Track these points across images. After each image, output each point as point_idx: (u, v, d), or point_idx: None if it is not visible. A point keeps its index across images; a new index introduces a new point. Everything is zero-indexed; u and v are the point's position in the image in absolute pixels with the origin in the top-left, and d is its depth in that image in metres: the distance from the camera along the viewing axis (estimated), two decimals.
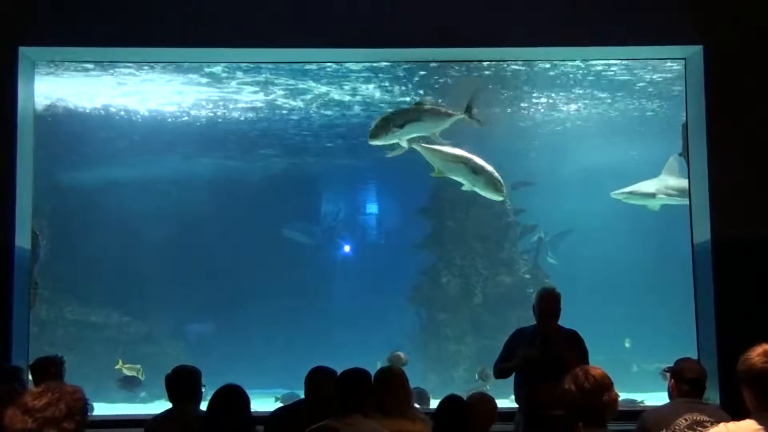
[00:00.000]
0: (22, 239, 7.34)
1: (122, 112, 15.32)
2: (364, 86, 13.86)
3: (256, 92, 14.27)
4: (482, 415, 5.22)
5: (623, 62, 11.79)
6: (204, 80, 13.29)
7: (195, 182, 18.31)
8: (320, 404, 5.04)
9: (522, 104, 15.14)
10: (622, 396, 4.08)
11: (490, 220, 16.65)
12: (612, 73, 12.95)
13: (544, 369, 5.90)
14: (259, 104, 15.03)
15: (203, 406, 5.04)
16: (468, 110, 10.46)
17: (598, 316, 14.18)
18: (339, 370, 4.94)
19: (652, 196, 13.94)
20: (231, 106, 15.21)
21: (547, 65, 12.23)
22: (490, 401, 5.44)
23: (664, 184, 13.96)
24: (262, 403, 8.38)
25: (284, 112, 15.47)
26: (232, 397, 4.75)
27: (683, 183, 13.49)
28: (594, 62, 11.95)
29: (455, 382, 14.89)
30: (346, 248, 21.03)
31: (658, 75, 12.96)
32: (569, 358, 5.80)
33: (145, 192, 17.95)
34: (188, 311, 18.12)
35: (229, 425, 4.67)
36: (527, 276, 16.64)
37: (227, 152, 17.89)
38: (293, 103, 14.96)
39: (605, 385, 3.85)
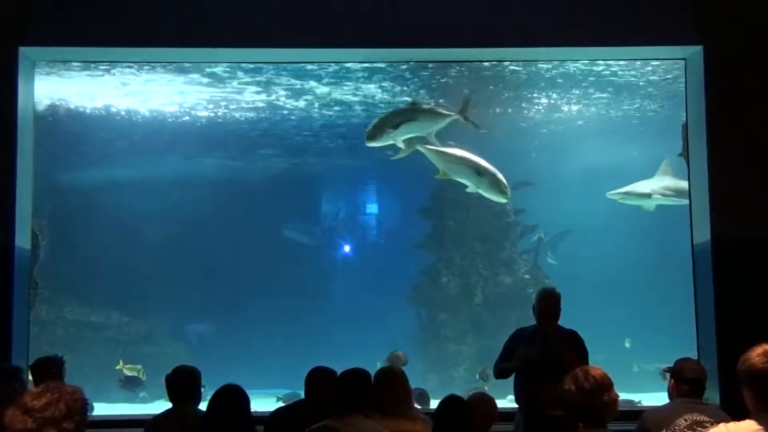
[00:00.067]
0: (22, 239, 7.34)
1: (123, 112, 15.32)
2: (365, 86, 13.86)
3: (257, 92, 14.27)
4: (482, 415, 5.22)
5: (623, 62, 11.79)
6: (205, 80, 13.29)
7: (195, 182, 18.31)
8: (320, 404, 5.04)
9: (522, 104, 15.14)
10: (621, 396, 4.07)
11: (490, 220, 16.65)
12: (612, 73, 12.95)
13: (544, 369, 5.90)
14: (260, 104, 15.04)
15: (203, 406, 5.04)
16: (463, 111, 10.50)
17: (598, 316, 14.18)
18: (339, 370, 4.94)
19: (648, 196, 13.95)
20: (232, 106, 15.21)
21: (548, 65, 12.22)
22: (490, 401, 5.44)
23: (660, 185, 13.98)
24: (264, 403, 8.39)
25: (285, 112, 15.47)
26: (232, 397, 4.76)
27: (679, 183, 13.59)
28: (594, 62, 11.95)
29: (455, 382, 14.89)
30: (346, 248, 21.02)
31: (659, 75, 12.96)
32: (569, 358, 5.80)
33: (145, 192, 17.94)
34: (188, 311, 18.11)
35: (229, 425, 4.67)
36: (527, 276, 16.64)
37: (227, 152, 17.88)
38: (294, 103, 14.96)
39: (605, 385, 3.85)
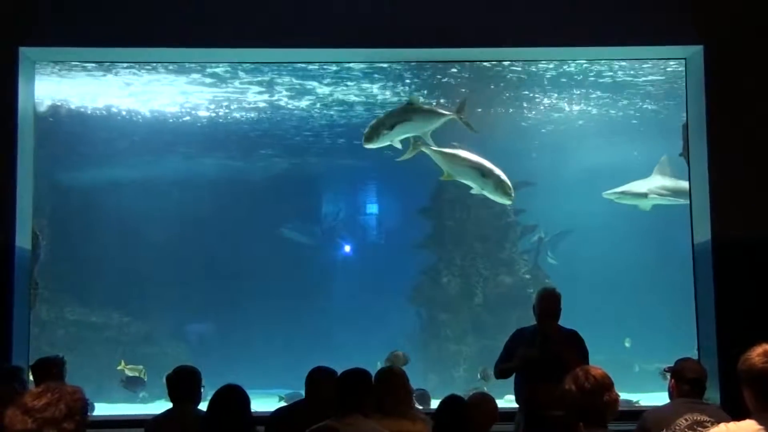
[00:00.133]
0: (23, 239, 7.34)
1: (124, 113, 15.34)
2: (366, 86, 13.87)
3: (258, 93, 14.29)
4: (483, 415, 5.21)
5: (624, 62, 11.79)
6: (208, 80, 13.30)
7: (195, 182, 18.30)
8: (320, 404, 5.04)
9: (523, 104, 15.15)
10: (621, 396, 4.07)
11: (490, 220, 16.65)
12: (612, 73, 12.95)
13: (544, 369, 5.90)
14: (262, 104, 15.04)
15: (203, 406, 5.04)
16: (460, 111, 10.53)
17: (598, 316, 14.18)
18: (339, 370, 4.94)
19: (644, 196, 13.97)
20: (233, 106, 15.22)
21: (549, 65, 12.23)
22: (491, 401, 5.43)
23: (656, 184, 13.99)
24: (266, 403, 8.39)
25: (285, 112, 15.48)
26: (232, 397, 4.75)
27: (675, 183, 13.63)
28: (595, 62, 11.95)
29: (456, 382, 14.88)
30: (347, 248, 21.02)
31: (659, 75, 12.97)
32: (569, 358, 5.80)
33: (145, 192, 17.94)
34: (188, 311, 18.10)
35: (229, 425, 4.67)
36: (527, 276, 16.63)
37: (228, 152, 17.90)
38: (296, 104, 14.97)
39: (606, 385, 3.85)
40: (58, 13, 7.27)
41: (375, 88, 14.00)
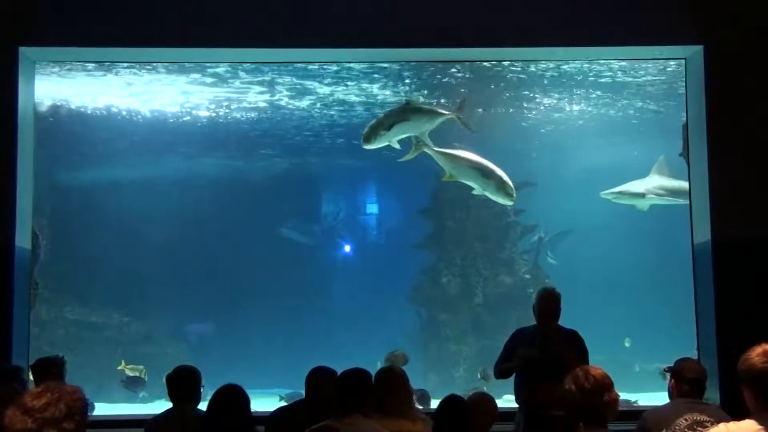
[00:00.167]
0: (23, 239, 7.34)
1: (124, 112, 15.33)
2: (366, 85, 13.87)
3: (259, 93, 14.29)
4: (482, 415, 5.21)
5: (624, 62, 11.79)
6: (208, 80, 13.30)
7: (195, 182, 18.31)
8: (320, 404, 5.04)
9: (523, 104, 15.15)
10: (620, 396, 4.07)
11: (490, 220, 16.65)
12: (612, 73, 12.95)
13: (544, 369, 5.90)
14: (262, 104, 15.04)
15: (203, 405, 5.04)
16: (459, 111, 10.54)
17: (598, 316, 14.18)
18: (339, 370, 4.94)
19: (642, 196, 13.98)
20: (233, 106, 15.22)
21: (548, 65, 12.23)
22: (491, 401, 5.43)
23: (653, 184, 14.00)
24: (267, 403, 8.38)
25: (286, 111, 15.48)
26: (232, 397, 4.75)
27: (672, 183, 13.66)
28: (595, 62, 11.95)
29: (456, 382, 14.89)
30: (347, 248, 21.02)
31: (659, 76, 12.97)
32: (569, 358, 5.80)
33: (145, 192, 17.93)
34: (188, 311, 18.10)
35: (229, 425, 4.66)
36: (527, 276, 16.63)
37: (228, 152, 17.90)
38: (296, 103, 14.97)
39: (605, 385, 3.85)
40: (58, 13, 7.27)
41: (375, 88, 14.00)
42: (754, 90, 7.27)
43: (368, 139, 10.35)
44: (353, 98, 14.56)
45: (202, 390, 5.56)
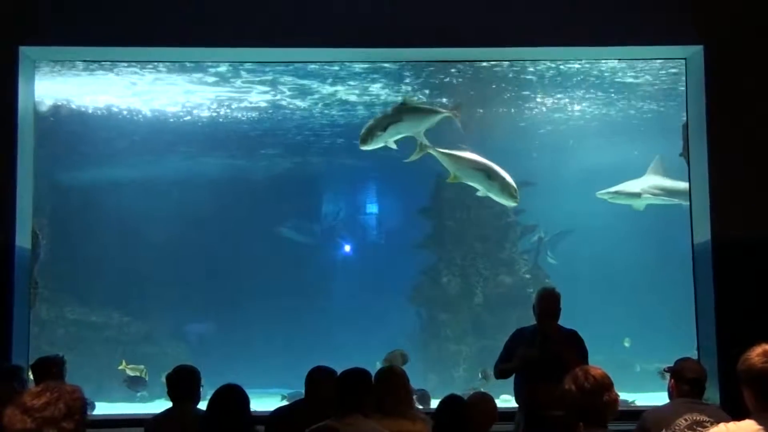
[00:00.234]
0: (23, 239, 7.34)
1: (125, 112, 15.33)
2: (367, 85, 13.87)
3: (260, 92, 14.28)
4: (482, 415, 5.21)
5: (624, 62, 11.79)
6: (209, 79, 13.30)
7: (195, 182, 18.30)
8: (320, 404, 5.03)
9: (524, 104, 15.15)
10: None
11: (490, 220, 16.64)
12: (613, 73, 12.95)
13: (544, 369, 5.91)
14: (263, 104, 15.04)
15: (203, 405, 5.04)
16: (455, 109, 10.55)
17: (598, 316, 14.17)
18: (339, 370, 4.94)
19: (638, 195, 13.99)
20: (234, 106, 15.22)
21: (549, 65, 12.23)
22: (490, 401, 5.43)
23: (649, 184, 14.01)
24: (269, 403, 8.38)
25: (287, 111, 15.48)
26: (232, 397, 4.75)
27: (668, 183, 13.68)
28: (596, 62, 11.95)
29: (455, 382, 14.89)
30: (347, 248, 21.02)
31: (659, 76, 12.97)
32: (569, 358, 5.80)
33: (145, 192, 17.93)
34: (188, 311, 18.10)
35: (229, 425, 4.66)
36: (527, 276, 16.63)
37: (228, 152, 17.90)
38: (296, 103, 14.97)
39: (605, 385, 3.85)
40: (58, 12, 7.28)
41: (376, 88, 14.00)
42: (754, 90, 7.27)
43: (365, 140, 10.40)
44: (354, 98, 14.56)
45: (201, 389, 5.56)
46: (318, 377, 5.31)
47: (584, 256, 17.98)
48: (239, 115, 15.74)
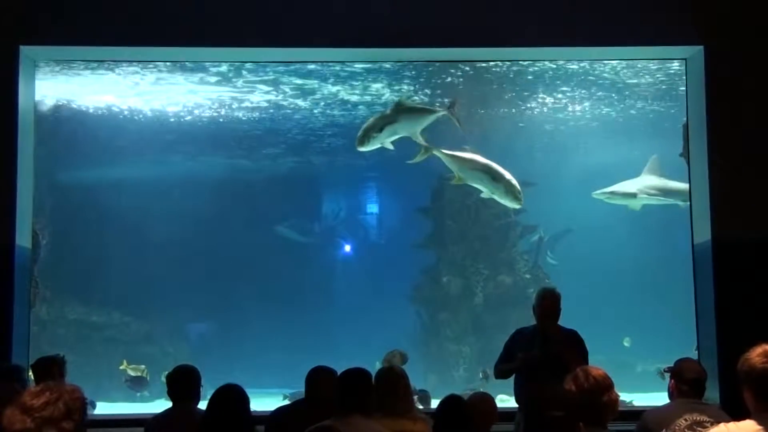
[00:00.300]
0: (23, 238, 7.35)
1: (126, 112, 15.34)
2: (368, 85, 13.87)
3: (261, 92, 14.28)
4: (482, 415, 5.21)
5: (624, 62, 11.80)
6: (211, 79, 13.31)
7: (196, 182, 18.30)
8: (320, 404, 5.03)
9: (524, 104, 15.15)
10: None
11: (490, 220, 16.63)
12: (614, 74, 12.95)
13: (544, 369, 5.91)
14: (264, 104, 15.04)
15: (203, 405, 5.04)
16: (450, 108, 10.56)
17: (598, 316, 14.17)
18: (339, 370, 4.94)
19: (633, 195, 13.99)
20: (234, 106, 15.22)
21: (550, 65, 12.24)
22: (490, 401, 5.43)
23: (645, 184, 14.01)
24: (271, 403, 8.37)
25: (288, 111, 15.48)
26: (231, 397, 4.74)
27: (664, 182, 13.69)
28: (596, 62, 11.96)
29: (456, 382, 14.87)
30: (347, 248, 21.02)
31: (660, 76, 12.97)
32: (569, 359, 5.80)
33: (146, 191, 17.93)
34: (189, 311, 18.10)
35: (229, 425, 4.66)
36: (527, 276, 16.62)
37: (229, 152, 17.90)
38: (297, 102, 14.96)
39: (606, 385, 3.85)
40: (58, 12, 7.29)
41: (377, 88, 14.00)
42: (754, 90, 7.28)
43: (361, 141, 10.43)
44: (355, 98, 14.57)
45: (201, 389, 5.56)
46: (318, 377, 5.31)
47: (584, 256, 17.97)
48: (240, 114, 15.74)
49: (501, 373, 6.72)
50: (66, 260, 15.60)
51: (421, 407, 8.30)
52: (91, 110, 15.14)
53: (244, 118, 15.95)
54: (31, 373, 6.19)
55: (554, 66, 12.27)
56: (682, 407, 4.84)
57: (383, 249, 20.25)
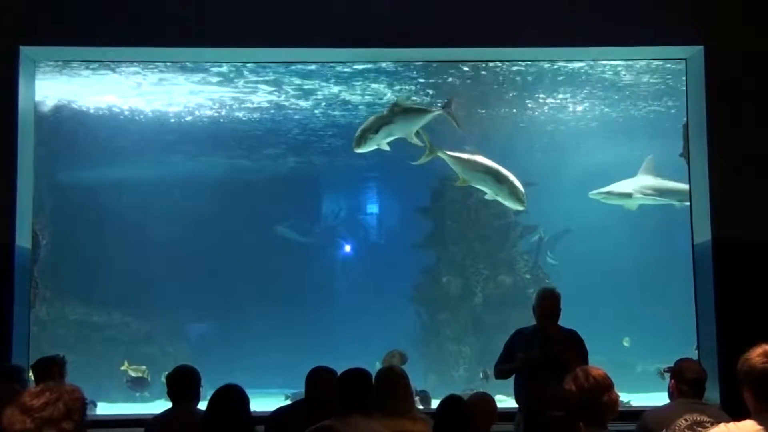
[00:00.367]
0: (23, 239, 7.35)
1: (126, 112, 15.33)
2: (369, 85, 13.87)
3: (263, 92, 14.27)
4: (483, 415, 5.21)
5: (626, 62, 11.80)
6: (212, 79, 13.30)
7: (196, 182, 18.30)
8: (320, 404, 5.03)
9: (525, 104, 15.14)
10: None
11: (490, 220, 16.62)
12: (614, 73, 12.95)
13: (544, 369, 5.91)
14: (265, 104, 15.04)
15: (203, 405, 5.04)
16: (447, 107, 10.56)
17: (598, 316, 14.17)
18: (339, 370, 4.94)
19: (629, 196, 13.99)
20: (235, 106, 15.21)
21: (551, 65, 12.23)
22: (491, 401, 5.43)
23: (641, 184, 14.02)
24: (268, 403, 8.37)
25: (288, 111, 15.48)
26: (231, 397, 4.75)
27: (660, 182, 13.70)
28: (597, 62, 11.95)
29: (456, 382, 14.87)
30: (347, 248, 21.02)
31: (660, 76, 12.97)
32: (569, 359, 5.80)
33: (146, 192, 17.94)
34: (189, 311, 18.11)
35: (229, 425, 4.66)
36: (527, 276, 16.62)
37: (230, 152, 17.90)
38: (298, 103, 14.96)
39: (606, 385, 3.85)
40: (58, 12, 7.29)
41: (378, 88, 14.00)
42: (754, 90, 7.28)
43: (358, 143, 10.42)
44: (355, 98, 14.56)
45: (201, 389, 5.56)
46: (318, 377, 5.31)
47: (584, 256, 17.97)
48: (240, 115, 15.74)
49: (501, 373, 6.72)
50: (66, 260, 15.61)
51: (421, 407, 8.30)
52: (91, 110, 15.13)
53: (244, 119, 15.94)
54: (31, 373, 6.19)
55: (555, 66, 12.25)
56: (682, 407, 4.85)
57: (383, 249, 20.26)
